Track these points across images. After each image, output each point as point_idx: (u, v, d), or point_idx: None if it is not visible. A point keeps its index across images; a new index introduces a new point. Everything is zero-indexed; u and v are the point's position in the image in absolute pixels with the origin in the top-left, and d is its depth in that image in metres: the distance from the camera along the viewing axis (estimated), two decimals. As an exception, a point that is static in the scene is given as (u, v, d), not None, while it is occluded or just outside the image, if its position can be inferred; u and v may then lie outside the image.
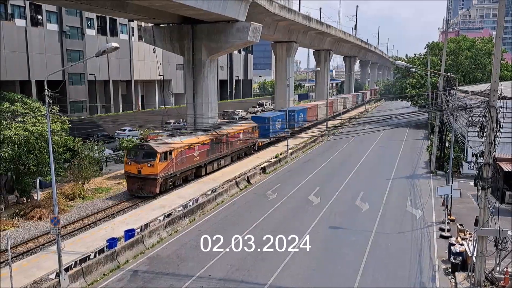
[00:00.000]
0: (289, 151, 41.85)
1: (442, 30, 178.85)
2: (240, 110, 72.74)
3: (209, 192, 28.73)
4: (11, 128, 25.34)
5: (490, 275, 15.98)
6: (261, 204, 26.97)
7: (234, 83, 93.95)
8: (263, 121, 47.15)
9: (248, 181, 32.11)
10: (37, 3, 46.75)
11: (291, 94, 69.51)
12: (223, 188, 29.25)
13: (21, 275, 16.96)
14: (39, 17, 49.50)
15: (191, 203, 25.58)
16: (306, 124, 57.68)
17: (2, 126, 25.37)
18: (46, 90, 15.44)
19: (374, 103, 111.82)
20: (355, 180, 32.99)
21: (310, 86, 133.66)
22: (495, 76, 14.84)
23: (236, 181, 30.90)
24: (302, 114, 57.31)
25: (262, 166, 36.23)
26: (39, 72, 48.27)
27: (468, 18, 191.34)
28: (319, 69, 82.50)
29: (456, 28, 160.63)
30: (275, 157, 40.18)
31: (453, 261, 17.56)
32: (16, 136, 25.05)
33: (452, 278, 17.21)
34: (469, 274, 16.45)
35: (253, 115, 59.22)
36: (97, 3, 34.27)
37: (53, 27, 51.40)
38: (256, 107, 78.83)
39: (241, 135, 40.53)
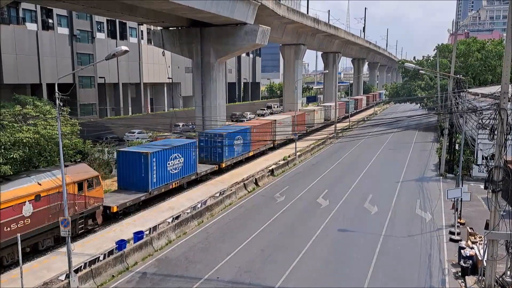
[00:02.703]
0: (297, 153, 41.79)
1: (451, 32, 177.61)
2: (249, 113, 72.83)
3: (218, 195, 28.80)
4: (22, 130, 25.66)
5: (500, 279, 15.79)
6: (270, 207, 26.95)
7: (242, 86, 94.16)
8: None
9: (256, 183, 32.13)
10: (48, 7, 47.37)
11: (299, 97, 69.57)
12: (231, 190, 29.29)
13: (32, 276, 17.13)
14: (50, 21, 50.09)
15: (199, 205, 25.65)
16: (251, 152, 40.39)
17: (13, 129, 25.70)
18: (57, 93, 15.61)
19: (383, 105, 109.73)
20: (363, 183, 32.84)
21: (319, 88, 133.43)
22: (506, 78, 14.71)
23: (244, 184, 30.93)
24: (240, 137, 37.76)
25: (270, 168, 36.23)
26: (50, 75, 48.84)
27: (478, 20, 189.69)
28: (327, 71, 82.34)
29: (465, 30, 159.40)
30: (283, 160, 40.14)
31: (463, 264, 17.40)
32: (27, 138, 25.35)
33: (462, 282, 17.06)
34: (480, 278, 16.28)
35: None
36: (107, 7, 34.62)
37: (63, 30, 52.00)
38: (264, 110, 78.86)
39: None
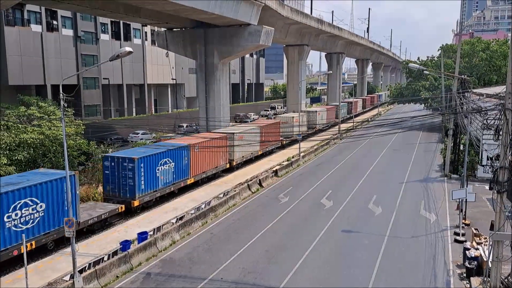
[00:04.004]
0: (301, 154, 41.76)
1: (456, 32, 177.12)
2: (252, 113, 72.87)
3: (221, 195, 28.81)
4: (27, 131, 25.81)
5: (506, 280, 15.70)
6: (273, 207, 26.94)
7: (246, 87, 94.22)
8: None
9: (260, 184, 32.12)
10: (52, 8, 47.60)
11: (303, 97, 69.48)
12: (235, 191, 29.28)
13: (36, 277, 17.19)
14: (55, 22, 50.36)
15: (203, 206, 25.68)
16: (191, 179, 29.86)
17: (18, 130, 25.85)
18: (61, 94, 15.68)
19: (387, 105, 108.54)
20: (367, 184, 32.76)
21: (322, 89, 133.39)
22: (511, 78, 14.63)
23: (248, 184, 30.93)
24: (169, 161, 27.55)
25: (274, 169, 36.21)
26: (54, 76, 49.07)
27: (482, 20, 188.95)
28: (331, 72, 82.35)
29: (470, 30, 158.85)
30: (287, 160, 40.12)
31: (468, 265, 17.31)
32: (31, 139, 25.52)
33: (467, 283, 16.97)
34: (485, 279, 16.20)
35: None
36: (111, 8, 34.77)
37: (68, 32, 52.25)
38: (268, 110, 78.90)
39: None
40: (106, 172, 25.34)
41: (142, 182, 25.10)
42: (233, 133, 36.67)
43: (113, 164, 25.07)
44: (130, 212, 24.83)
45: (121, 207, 23.71)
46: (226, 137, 35.28)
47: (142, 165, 24.93)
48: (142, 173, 25.00)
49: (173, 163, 27.86)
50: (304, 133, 50.53)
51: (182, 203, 27.51)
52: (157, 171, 26.32)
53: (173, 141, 31.82)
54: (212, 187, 31.55)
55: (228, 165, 35.77)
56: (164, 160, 27.07)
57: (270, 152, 44.53)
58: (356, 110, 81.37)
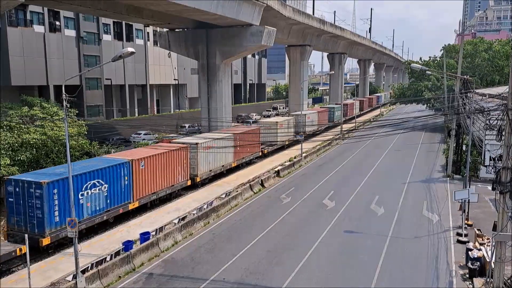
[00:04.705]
0: (303, 154, 41.74)
1: (458, 32, 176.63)
2: (254, 114, 72.89)
3: (223, 196, 28.82)
4: (30, 132, 25.88)
5: (509, 281, 15.66)
6: (275, 208, 26.93)
7: (248, 87, 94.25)
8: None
9: (262, 184, 32.12)
10: (55, 9, 47.72)
11: (305, 98, 69.52)
12: (237, 191, 29.30)
13: (39, 277, 17.23)
14: (57, 23, 50.48)
15: (205, 206, 25.70)
16: (132, 204, 24.28)
17: (21, 130, 25.93)
18: (64, 95, 15.72)
19: (389, 105, 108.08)
20: (370, 184, 32.72)
21: (325, 89, 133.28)
22: (513, 78, 14.58)
23: (250, 185, 30.93)
24: (99, 183, 22.04)
25: (276, 169, 36.20)
26: (57, 77, 49.18)
27: (485, 20, 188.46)
28: (333, 72, 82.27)
29: (472, 30, 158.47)
30: (289, 161, 40.10)
31: (471, 266, 17.28)
32: (34, 140, 25.58)
33: (470, 284, 16.94)
34: (488, 280, 16.15)
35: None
36: (113, 9, 34.83)
37: (70, 33, 52.36)
38: (270, 111, 78.90)
39: None
40: (10, 200, 19.62)
41: (56, 213, 19.49)
42: (196, 143, 30.56)
43: (17, 189, 19.33)
44: (39, 252, 19.35)
45: (21, 248, 17.69)
46: (186, 148, 29.21)
47: (55, 191, 19.36)
48: (56, 202, 19.43)
49: (105, 185, 22.23)
50: (290, 141, 46.89)
51: (184, 203, 27.43)
52: (80, 197, 20.72)
53: (112, 156, 25.83)
54: (214, 187, 31.41)
55: (189, 182, 29.59)
56: (92, 182, 21.37)
57: (248, 163, 38.71)
58: (352, 113, 75.15)
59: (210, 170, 32.38)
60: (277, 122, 45.49)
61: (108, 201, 22.60)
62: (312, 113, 55.63)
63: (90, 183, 21.28)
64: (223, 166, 34.27)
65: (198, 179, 30.72)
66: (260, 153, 41.47)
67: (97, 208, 21.88)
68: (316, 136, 54.03)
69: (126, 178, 23.64)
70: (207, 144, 31.48)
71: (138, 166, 24.48)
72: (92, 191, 21.48)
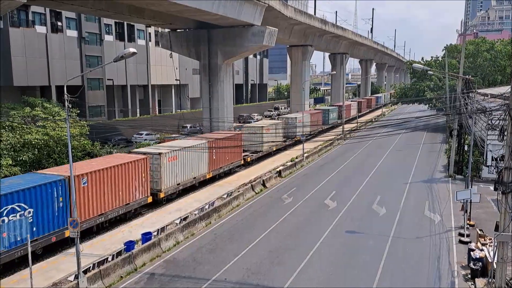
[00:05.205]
0: (305, 154, 41.72)
1: (460, 32, 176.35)
2: (256, 114, 72.91)
3: (225, 196, 28.83)
4: (32, 132, 25.94)
5: (511, 281, 15.62)
6: (277, 208, 26.92)
7: (249, 87, 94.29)
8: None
9: (263, 184, 32.11)
10: (57, 10, 47.82)
11: (306, 98, 69.47)
12: (238, 191, 29.30)
13: (41, 277, 17.26)
14: (59, 23, 50.60)
15: (207, 207, 25.71)
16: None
17: (23, 131, 26.00)
18: (65, 95, 15.76)
19: (391, 105, 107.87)
20: (371, 184, 32.69)
21: (326, 89, 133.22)
22: (515, 78, 14.56)
23: (251, 185, 30.93)
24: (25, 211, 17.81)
25: (278, 169, 36.19)
26: (59, 77, 49.28)
27: (487, 20, 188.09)
28: (334, 72, 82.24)
29: (474, 30, 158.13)
30: (291, 161, 40.08)
31: (473, 267, 17.24)
32: (36, 140, 25.64)
33: (472, 284, 16.90)
34: (490, 280, 16.11)
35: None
36: (115, 9, 34.89)
37: (72, 33, 52.47)
38: (272, 111, 78.92)
39: None
40: None
41: None
42: (159, 154, 26.03)
43: None
44: None
45: None
46: (145, 160, 24.60)
47: None
48: None
49: (30, 210, 18.07)
50: (279, 146, 44.69)
51: (185, 204, 27.40)
52: None
53: (43, 172, 21.11)
54: (216, 188, 31.41)
55: (150, 199, 25.29)
56: (10, 207, 17.21)
57: (227, 174, 34.61)
58: (349, 115, 71.03)
59: (178, 184, 27.98)
60: (262, 126, 41.24)
61: (35, 229, 18.37)
62: (304, 116, 50.58)
63: (8, 207, 17.11)
64: (195, 178, 29.79)
65: (162, 195, 26.29)
66: (242, 161, 36.85)
67: (18, 239, 17.66)
68: (309, 140, 49.36)
69: (61, 199, 19.48)
70: (173, 155, 27.31)
71: (78, 183, 20.25)
72: (11, 217, 17.28)
